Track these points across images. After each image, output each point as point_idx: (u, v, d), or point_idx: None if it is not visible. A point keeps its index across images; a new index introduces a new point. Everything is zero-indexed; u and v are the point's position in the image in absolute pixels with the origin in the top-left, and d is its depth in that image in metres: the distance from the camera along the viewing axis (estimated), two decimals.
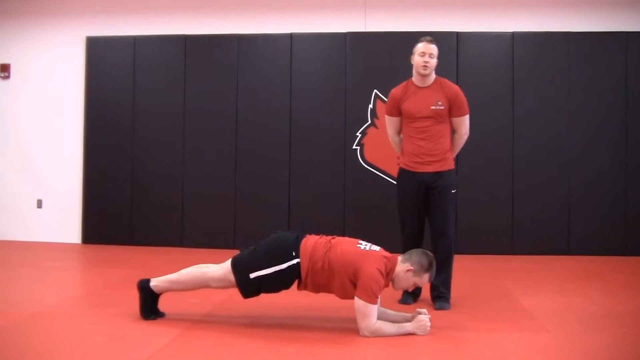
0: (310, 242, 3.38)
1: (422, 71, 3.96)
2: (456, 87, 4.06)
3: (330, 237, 3.46)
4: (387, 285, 3.37)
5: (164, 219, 6.75)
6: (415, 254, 3.38)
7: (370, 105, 6.47)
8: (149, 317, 3.50)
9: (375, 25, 6.59)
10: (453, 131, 4.10)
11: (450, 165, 4.05)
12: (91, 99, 6.91)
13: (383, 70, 6.44)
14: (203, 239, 6.61)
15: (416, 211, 4.05)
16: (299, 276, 3.34)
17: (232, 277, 3.37)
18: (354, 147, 6.49)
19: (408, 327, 3.29)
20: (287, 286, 3.40)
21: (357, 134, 6.49)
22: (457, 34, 6.42)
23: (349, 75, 6.51)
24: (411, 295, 4.06)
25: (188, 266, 3.59)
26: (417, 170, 4.00)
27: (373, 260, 3.27)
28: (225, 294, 3.91)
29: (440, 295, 4.00)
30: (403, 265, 3.34)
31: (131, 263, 5.73)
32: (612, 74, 6.32)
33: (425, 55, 3.95)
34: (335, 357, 2.98)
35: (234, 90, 6.68)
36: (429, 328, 3.28)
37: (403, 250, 3.65)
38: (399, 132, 4.18)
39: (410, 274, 3.33)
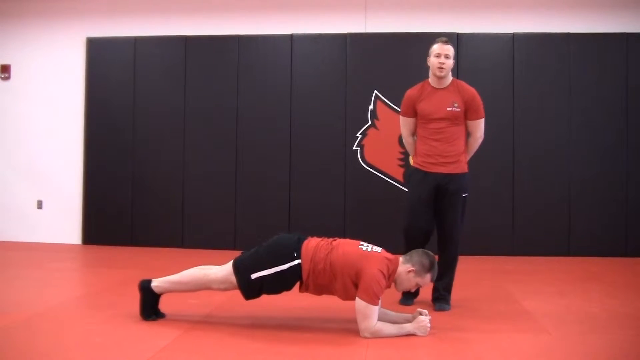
0: (312, 243, 3.38)
1: (439, 73, 3.94)
2: (473, 90, 4.02)
3: (331, 239, 3.46)
4: (389, 287, 3.37)
5: (164, 220, 6.75)
6: (417, 255, 3.38)
7: (371, 106, 6.47)
8: (150, 318, 3.50)
9: (375, 26, 6.59)
10: (468, 134, 4.07)
11: (463, 168, 4.01)
12: (92, 100, 6.92)
13: (383, 71, 6.44)
14: (203, 240, 6.61)
15: (426, 210, 3.99)
16: (300, 277, 3.34)
17: (233, 279, 3.37)
18: (354, 148, 6.49)
19: (408, 327, 3.29)
20: (288, 287, 3.40)
21: (358, 134, 6.49)
22: (458, 34, 6.42)
23: (350, 76, 6.52)
24: (412, 296, 4.05)
25: (189, 267, 3.59)
26: (430, 171, 3.96)
27: (375, 261, 3.27)
28: (226, 295, 3.91)
29: (441, 297, 4.00)
30: (404, 266, 3.34)
31: (131, 264, 5.73)
32: (612, 75, 6.32)
33: (441, 57, 3.92)
34: (336, 358, 2.98)
35: (234, 91, 6.68)
36: (429, 329, 3.29)
37: (405, 251, 3.64)
38: (413, 133, 4.15)
39: (412, 274, 3.33)
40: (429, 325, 3.29)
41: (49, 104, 7.04)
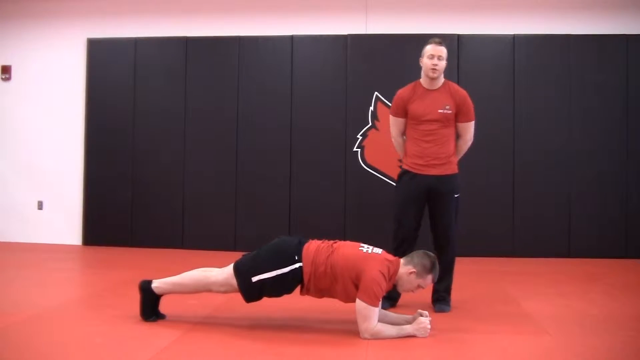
0: (313, 246, 3.38)
1: (432, 74, 3.92)
2: (464, 92, 4.01)
3: (332, 241, 3.46)
4: (390, 288, 3.37)
5: (164, 221, 6.75)
6: (417, 256, 3.38)
7: (371, 108, 6.47)
8: (150, 319, 3.50)
9: (376, 27, 6.59)
10: (457, 136, 4.07)
11: (454, 169, 4.02)
12: (92, 101, 6.92)
13: (384, 72, 6.44)
14: (204, 240, 6.61)
15: (414, 214, 3.99)
16: (301, 280, 3.34)
17: (234, 282, 3.37)
18: (354, 149, 6.49)
19: (408, 329, 3.30)
20: (289, 290, 3.39)
21: (358, 136, 6.49)
22: (458, 36, 6.42)
23: (350, 77, 6.52)
24: (388, 300, 3.95)
25: (189, 268, 3.59)
26: (420, 173, 3.95)
27: (375, 262, 3.27)
28: (226, 296, 3.89)
29: (441, 298, 4.00)
30: (406, 267, 3.34)
31: (132, 265, 5.73)
32: (613, 77, 6.32)
33: (434, 58, 3.90)
34: (336, 359, 2.98)
35: (234, 92, 6.68)
36: (429, 330, 3.29)
37: (394, 254, 3.63)
38: (403, 133, 4.13)
39: (413, 276, 3.33)
40: (429, 326, 3.29)
41: (50, 105, 7.05)
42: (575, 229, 6.29)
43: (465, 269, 5.51)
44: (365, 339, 3.22)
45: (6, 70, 7.11)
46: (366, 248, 3.39)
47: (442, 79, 4.00)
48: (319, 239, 3.51)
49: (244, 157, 6.66)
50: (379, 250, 3.40)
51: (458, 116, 3.98)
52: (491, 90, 6.40)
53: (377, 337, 3.22)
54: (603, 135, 6.32)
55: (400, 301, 4.07)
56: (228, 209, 6.65)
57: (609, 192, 6.30)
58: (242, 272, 3.36)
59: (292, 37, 6.65)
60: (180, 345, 3.12)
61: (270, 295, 3.41)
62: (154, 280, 3.52)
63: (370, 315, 3.21)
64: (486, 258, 6.16)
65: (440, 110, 3.92)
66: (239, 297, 3.42)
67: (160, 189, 6.77)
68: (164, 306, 3.57)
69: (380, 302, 3.29)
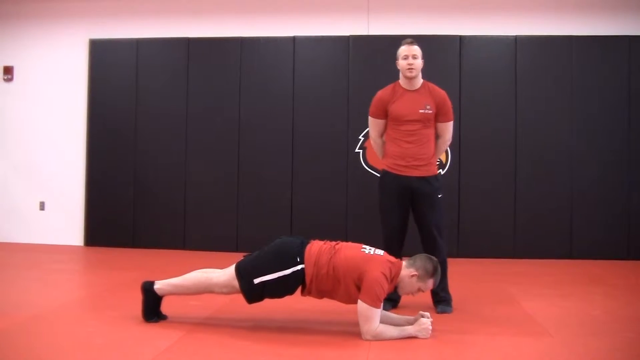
0: (315, 248, 3.38)
1: (409, 74, 3.94)
2: (444, 93, 4.04)
3: (334, 242, 3.46)
4: (391, 290, 3.37)
5: (166, 222, 6.75)
6: (420, 259, 3.38)
7: None
8: (152, 320, 3.50)
9: (378, 28, 6.59)
10: (437, 136, 4.08)
11: (434, 170, 4.03)
12: (94, 102, 6.93)
13: (386, 73, 6.35)
14: (205, 241, 6.61)
15: (400, 214, 4.00)
16: (303, 282, 3.34)
17: (236, 283, 3.37)
18: (356, 150, 6.49)
19: (410, 330, 3.29)
20: (291, 292, 3.39)
21: (360, 137, 6.49)
22: (460, 37, 6.42)
23: (352, 78, 6.52)
24: (389, 302, 3.94)
25: (191, 269, 3.60)
26: (402, 174, 3.96)
27: (378, 264, 3.26)
28: (227, 297, 3.89)
29: (442, 299, 3.99)
30: (408, 270, 3.34)
31: (133, 266, 5.73)
32: (614, 78, 6.31)
33: (408, 58, 3.92)
34: None
35: (236, 93, 6.69)
36: (430, 331, 3.28)
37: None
38: (382, 134, 4.15)
39: (414, 279, 3.32)
40: (430, 327, 3.29)
41: (52, 106, 7.05)
42: (577, 230, 6.28)
43: (466, 270, 5.52)
44: (367, 340, 3.21)
45: (8, 70, 7.12)
46: (368, 249, 3.39)
47: (420, 80, 4.03)
48: (321, 239, 3.51)
49: (245, 158, 6.66)
50: (381, 252, 3.40)
51: (438, 116, 4.01)
52: (493, 91, 6.40)
53: (378, 338, 3.22)
54: (605, 136, 6.31)
55: (402, 302, 4.06)
56: (230, 209, 6.65)
57: (611, 193, 6.29)
58: (244, 274, 3.35)
59: (294, 38, 6.65)
60: (181, 346, 3.12)
61: (272, 296, 3.41)
62: (156, 282, 3.52)
63: (372, 317, 3.20)
64: (488, 259, 6.16)
65: (421, 111, 3.94)
66: (240, 298, 3.42)
67: (162, 190, 6.78)
68: (165, 307, 3.57)
69: (382, 304, 3.28)
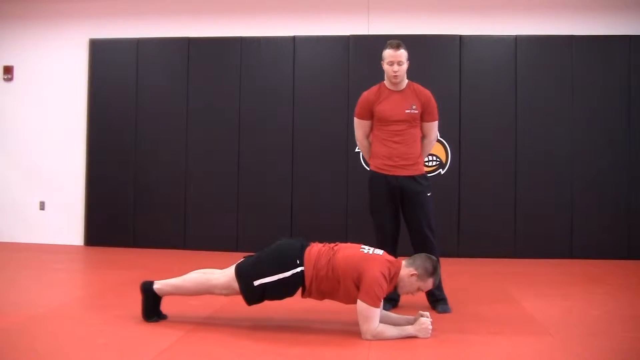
0: (315, 250, 3.38)
1: (394, 80, 3.97)
2: (429, 93, 4.06)
3: (333, 244, 3.46)
4: (391, 290, 3.37)
5: (166, 221, 6.75)
6: (420, 259, 3.38)
7: None
8: (152, 319, 3.50)
9: (378, 28, 6.59)
10: (422, 136, 4.10)
11: (422, 170, 4.04)
12: (94, 101, 6.93)
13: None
14: (206, 241, 6.61)
15: (392, 214, 4.02)
16: (302, 284, 3.34)
17: (236, 285, 3.37)
18: (356, 150, 6.49)
19: (410, 330, 3.29)
20: (290, 294, 3.39)
21: None
22: (461, 37, 6.42)
23: (352, 78, 6.51)
24: (389, 301, 3.95)
25: (191, 268, 3.60)
26: (390, 174, 3.97)
27: (377, 263, 3.27)
28: (227, 297, 3.90)
29: (440, 299, 3.99)
30: (407, 269, 3.34)
31: (134, 265, 5.73)
32: (615, 78, 6.31)
33: (393, 65, 3.92)
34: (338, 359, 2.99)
35: (236, 92, 6.69)
36: (430, 331, 3.29)
37: None
38: (368, 136, 4.15)
39: (414, 278, 3.32)
40: (430, 327, 3.29)
41: (52, 105, 7.05)
42: (577, 230, 6.29)
43: (467, 270, 5.52)
44: (367, 339, 3.22)
45: (8, 70, 7.12)
46: (367, 249, 3.39)
47: (405, 80, 4.04)
48: (321, 240, 3.51)
49: (245, 158, 6.66)
50: (380, 252, 3.40)
51: (423, 115, 4.03)
52: (493, 90, 6.40)
53: (378, 338, 3.22)
54: (605, 136, 6.31)
55: (402, 302, 4.07)
56: (230, 209, 6.65)
57: (611, 193, 6.29)
58: (244, 276, 3.36)
59: (294, 38, 6.65)
60: (181, 345, 3.12)
61: (272, 298, 3.41)
62: (155, 282, 3.52)
63: (372, 316, 3.21)
64: (488, 259, 6.16)
65: (407, 111, 3.96)
66: (240, 298, 3.43)
67: (163, 189, 6.78)
68: (165, 307, 3.58)
69: (382, 303, 3.28)
